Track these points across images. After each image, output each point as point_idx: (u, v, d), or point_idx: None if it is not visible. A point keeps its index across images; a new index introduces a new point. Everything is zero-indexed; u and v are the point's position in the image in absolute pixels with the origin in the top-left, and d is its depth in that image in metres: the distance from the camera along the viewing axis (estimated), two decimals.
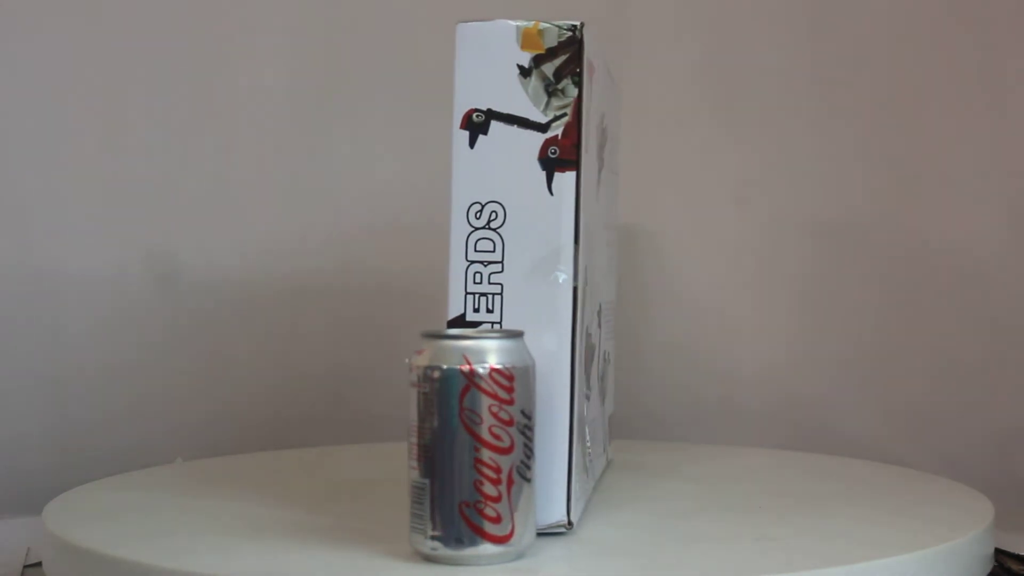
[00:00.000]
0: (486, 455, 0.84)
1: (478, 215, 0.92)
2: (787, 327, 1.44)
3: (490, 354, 0.85)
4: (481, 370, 0.84)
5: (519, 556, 0.87)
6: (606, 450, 1.18)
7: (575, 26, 0.91)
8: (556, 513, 0.92)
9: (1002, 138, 1.37)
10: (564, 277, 0.91)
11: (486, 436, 0.84)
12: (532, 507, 0.87)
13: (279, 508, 1.00)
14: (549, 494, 0.92)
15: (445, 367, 0.84)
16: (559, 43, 0.91)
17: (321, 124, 1.38)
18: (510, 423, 0.85)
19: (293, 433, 1.33)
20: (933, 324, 1.40)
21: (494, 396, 0.84)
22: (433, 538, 0.85)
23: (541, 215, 0.91)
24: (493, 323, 0.92)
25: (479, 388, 0.84)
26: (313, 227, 1.37)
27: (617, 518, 1.00)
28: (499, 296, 0.92)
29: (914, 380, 1.40)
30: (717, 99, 1.42)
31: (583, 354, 0.93)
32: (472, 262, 0.92)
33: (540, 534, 0.92)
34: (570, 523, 0.92)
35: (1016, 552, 1.14)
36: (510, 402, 0.85)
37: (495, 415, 0.84)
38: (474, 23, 0.92)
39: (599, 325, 1.12)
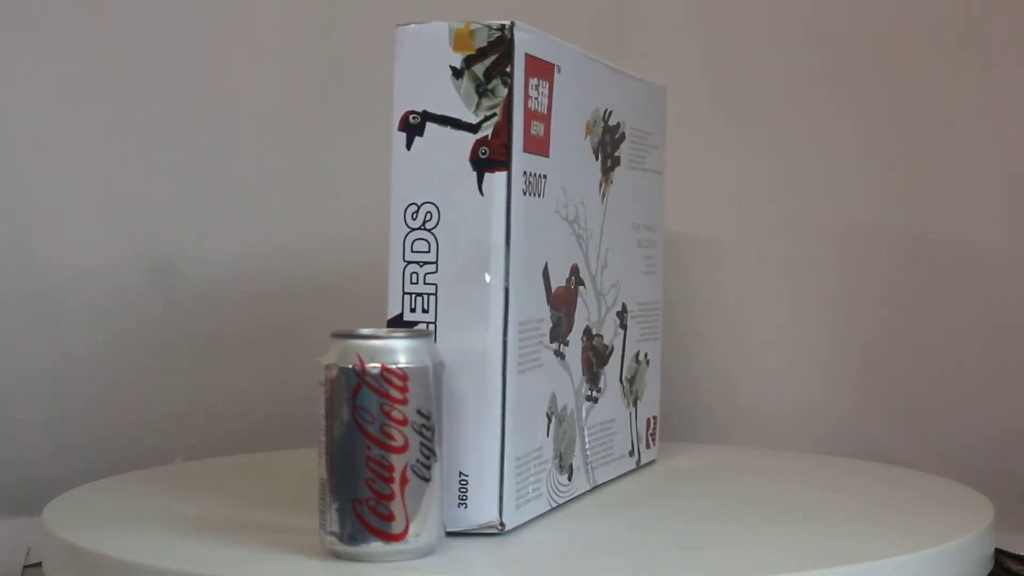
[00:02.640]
0: (377, 453, 0.85)
1: (414, 216, 0.93)
2: (785, 328, 1.41)
3: (384, 354, 0.86)
4: (372, 369, 0.85)
5: (422, 554, 0.87)
6: (635, 452, 1.16)
7: (504, 26, 0.91)
8: (487, 514, 0.92)
9: (1004, 140, 1.33)
10: (491, 278, 0.91)
11: (377, 435, 0.85)
12: (434, 507, 0.87)
13: (268, 510, 1.02)
14: (481, 495, 0.92)
15: (340, 366, 0.86)
16: (489, 43, 0.91)
17: (321, 124, 1.40)
18: (403, 422, 0.86)
19: (293, 432, 1.35)
20: (934, 324, 1.37)
21: (385, 395, 0.85)
22: (331, 534, 0.87)
23: (472, 216, 0.92)
24: (428, 323, 0.93)
25: (370, 387, 0.85)
26: (313, 226, 1.39)
27: (591, 521, 1.00)
28: (434, 296, 0.92)
29: (915, 380, 1.37)
30: (719, 100, 1.40)
31: (517, 354, 0.93)
32: (409, 263, 0.93)
33: (472, 535, 0.92)
34: (502, 524, 0.92)
35: (1016, 552, 1.12)
36: (403, 401, 0.86)
37: (387, 414, 0.85)
38: (411, 25, 0.93)
39: (622, 326, 1.11)
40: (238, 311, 1.35)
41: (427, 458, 0.87)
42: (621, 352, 1.13)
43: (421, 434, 0.86)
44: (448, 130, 0.92)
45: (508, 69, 0.91)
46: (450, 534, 0.92)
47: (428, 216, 0.92)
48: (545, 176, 0.97)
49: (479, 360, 0.91)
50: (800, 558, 0.89)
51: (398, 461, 0.86)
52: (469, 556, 0.89)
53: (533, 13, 1.34)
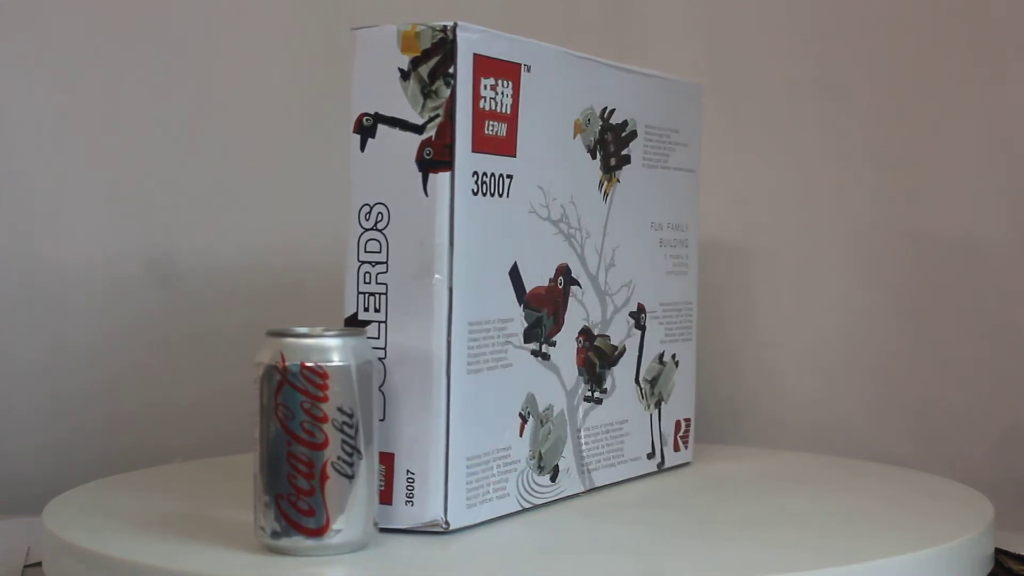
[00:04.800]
0: (298, 449, 0.87)
1: (367, 216, 0.94)
2: (788, 329, 1.39)
3: (305, 352, 0.88)
4: (293, 367, 0.87)
5: (349, 550, 0.88)
6: (657, 454, 1.14)
7: (446, 27, 0.92)
8: (432, 512, 0.93)
9: (1005, 139, 1.31)
10: (438, 277, 0.92)
11: (298, 431, 0.87)
12: (359, 504, 0.88)
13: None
14: (426, 493, 0.93)
15: (266, 364, 0.88)
16: (432, 44, 0.92)
17: (321, 123, 1.39)
18: (324, 420, 0.87)
19: None
20: (934, 324, 1.35)
21: (305, 393, 0.87)
22: (260, 528, 0.89)
23: (418, 216, 0.93)
24: (380, 322, 0.94)
25: (291, 385, 0.87)
26: (312, 224, 1.38)
27: (562, 523, 0.99)
28: (384, 296, 0.94)
29: (915, 380, 1.36)
30: (718, 101, 1.35)
31: (465, 353, 0.93)
32: (362, 262, 0.94)
33: (419, 532, 0.93)
34: (447, 523, 0.93)
35: (1016, 552, 1.12)
36: (323, 399, 0.87)
37: (307, 411, 0.87)
38: (365, 29, 0.95)
39: (639, 326, 1.10)
40: (237, 309, 1.36)
41: (350, 455, 0.88)
42: (638, 353, 1.11)
43: (343, 431, 0.87)
44: (397, 131, 0.93)
45: (451, 70, 0.91)
46: (397, 531, 0.93)
47: (380, 216, 0.93)
48: (511, 176, 0.96)
49: (424, 359, 0.92)
50: (800, 557, 0.89)
51: (318, 457, 0.87)
52: (396, 554, 0.89)
53: (534, 13, 1.34)
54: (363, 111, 0.94)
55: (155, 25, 1.35)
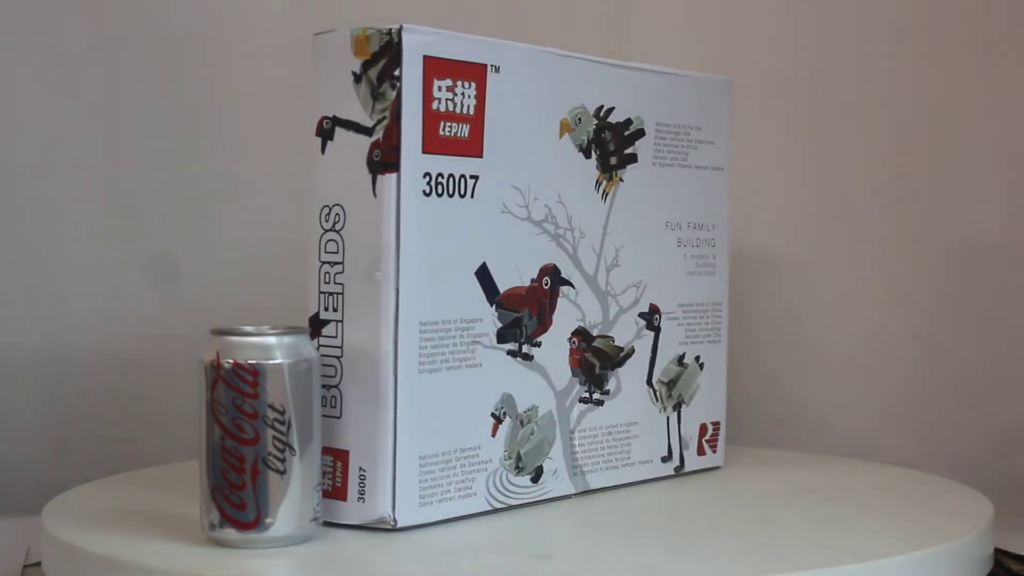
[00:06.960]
0: (229, 444, 0.90)
1: (327, 217, 0.97)
2: (783, 329, 1.37)
3: (239, 350, 0.91)
4: (226, 365, 0.90)
5: (285, 544, 0.91)
6: (674, 457, 1.13)
7: (391, 29, 0.93)
8: (381, 510, 0.94)
9: (1002, 137, 1.28)
10: (380, 278, 0.93)
11: (229, 427, 0.90)
12: (292, 499, 0.90)
13: None
14: (375, 491, 0.94)
15: (204, 361, 0.92)
16: (380, 47, 0.94)
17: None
18: (254, 416, 0.90)
19: None
20: (932, 323, 1.35)
21: (237, 390, 0.90)
22: (201, 521, 0.93)
23: (368, 217, 0.95)
24: (337, 322, 0.96)
25: (224, 382, 0.90)
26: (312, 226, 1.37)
27: (532, 524, 0.99)
28: (341, 295, 0.96)
29: (914, 380, 1.35)
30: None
31: (416, 353, 0.94)
32: (323, 263, 0.97)
33: (367, 529, 0.95)
34: (395, 520, 0.94)
35: (1016, 552, 1.11)
36: (254, 396, 0.90)
37: (238, 408, 0.90)
38: (324, 33, 0.97)
39: (652, 327, 1.09)
40: (237, 309, 1.36)
41: (281, 451, 0.90)
42: (651, 354, 1.09)
43: (274, 428, 0.90)
44: (351, 134, 0.95)
45: (396, 72, 0.93)
46: (351, 527, 0.94)
47: (337, 218, 0.95)
48: (476, 176, 0.97)
49: (373, 358, 0.94)
50: (800, 557, 0.89)
51: (248, 453, 0.90)
52: (338, 548, 0.90)
53: (535, 14, 1.32)
54: (323, 114, 0.96)
55: (156, 25, 1.37)
